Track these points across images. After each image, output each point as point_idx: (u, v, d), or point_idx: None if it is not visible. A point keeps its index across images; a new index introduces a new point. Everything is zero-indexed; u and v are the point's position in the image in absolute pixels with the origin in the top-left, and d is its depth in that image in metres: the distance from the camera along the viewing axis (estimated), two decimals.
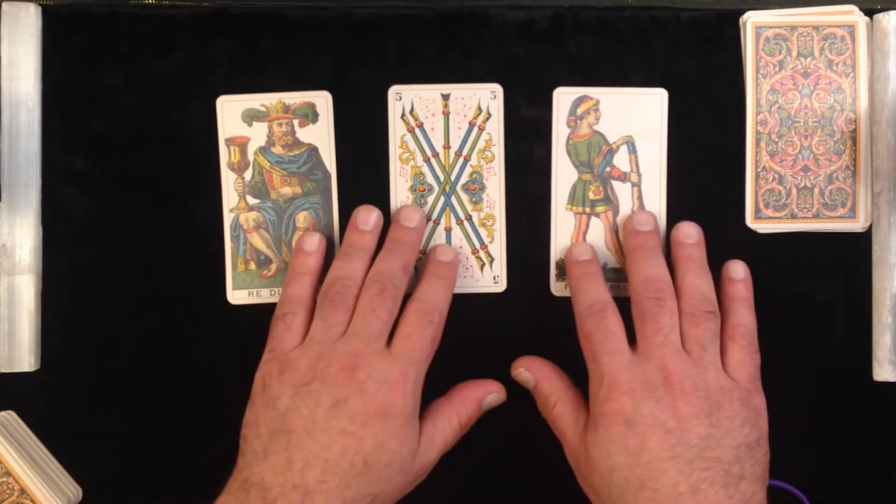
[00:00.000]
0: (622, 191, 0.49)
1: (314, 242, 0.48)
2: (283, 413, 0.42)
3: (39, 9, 0.49)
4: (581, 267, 0.47)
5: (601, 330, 0.44)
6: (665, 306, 0.44)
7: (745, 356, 0.45)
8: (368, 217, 0.48)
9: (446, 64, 0.49)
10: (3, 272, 0.48)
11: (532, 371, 0.47)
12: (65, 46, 0.49)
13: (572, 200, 0.49)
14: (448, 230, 0.49)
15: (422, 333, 0.44)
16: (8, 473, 0.48)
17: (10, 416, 0.49)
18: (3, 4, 0.48)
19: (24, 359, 0.49)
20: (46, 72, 0.49)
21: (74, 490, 0.49)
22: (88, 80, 0.49)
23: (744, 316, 0.46)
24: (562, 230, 0.49)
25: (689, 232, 0.48)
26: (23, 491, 0.48)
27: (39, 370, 0.49)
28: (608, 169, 0.49)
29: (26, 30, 0.48)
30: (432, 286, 0.46)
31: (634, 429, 0.41)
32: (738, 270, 0.47)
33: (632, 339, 0.45)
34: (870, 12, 0.49)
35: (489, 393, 0.47)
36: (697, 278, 0.46)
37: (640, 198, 0.49)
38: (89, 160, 0.49)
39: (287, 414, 0.42)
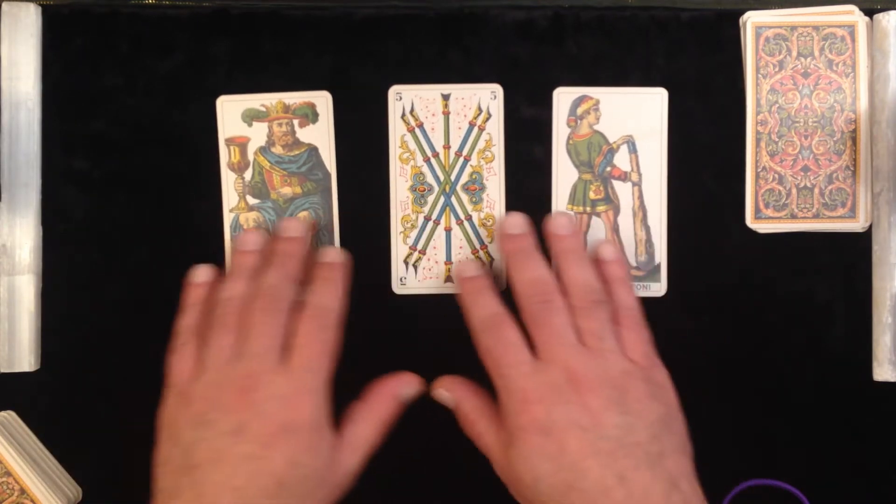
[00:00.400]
0: (623, 190, 0.49)
1: (203, 273, 0.48)
2: (186, 448, 0.41)
3: (39, 9, 0.49)
4: (470, 283, 0.47)
5: (500, 343, 0.43)
6: (553, 307, 0.44)
7: (634, 335, 0.44)
8: (249, 237, 0.47)
9: (446, 64, 0.49)
10: (3, 272, 0.48)
11: (452, 392, 0.46)
12: (65, 46, 0.49)
13: (573, 200, 0.49)
14: (448, 230, 0.49)
15: (315, 340, 0.43)
16: (8, 473, 0.48)
17: (10, 416, 0.49)
18: (3, 4, 0.48)
19: (24, 359, 0.48)
20: (46, 72, 0.49)
21: (74, 490, 0.49)
22: (88, 80, 0.49)
23: (623, 296, 0.46)
24: None
25: (562, 223, 0.47)
26: (23, 491, 0.48)
27: (39, 370, 0.49)
28: (609, 168, 0.49)
29: (26, 30, 0.48)
30: (319, 289, 0.45)
31: (551, 436, 0.41)
32: (607, 251, 0.47)
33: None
34: (870, 12, 0.49)
35: (403, 386, 0.46)
36: (579, 269, 0.45)
37: (640, 197, 0.49)
38: (89, 160, 0.49)
39: (190, 448, 0.41)
